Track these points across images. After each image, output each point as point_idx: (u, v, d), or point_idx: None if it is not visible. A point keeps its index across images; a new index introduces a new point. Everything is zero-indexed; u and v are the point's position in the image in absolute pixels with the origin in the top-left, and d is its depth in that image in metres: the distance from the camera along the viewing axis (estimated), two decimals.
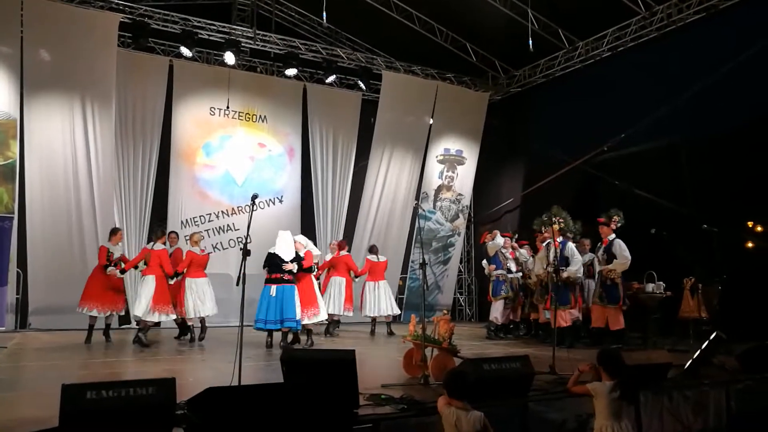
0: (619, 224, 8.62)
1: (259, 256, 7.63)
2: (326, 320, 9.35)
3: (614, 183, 10.99)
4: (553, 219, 8.87)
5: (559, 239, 8.55)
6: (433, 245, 13.93)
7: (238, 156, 12.38)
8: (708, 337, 5.96)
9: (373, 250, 10.85)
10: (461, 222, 14.37)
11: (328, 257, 10.51)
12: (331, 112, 13.25)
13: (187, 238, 9.22)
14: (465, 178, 14.35)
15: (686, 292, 8.71)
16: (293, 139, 12.98)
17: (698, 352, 5.74)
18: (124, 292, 9.19)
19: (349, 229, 13.10)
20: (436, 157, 14.08)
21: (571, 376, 4.34)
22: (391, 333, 10.27)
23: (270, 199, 12.56)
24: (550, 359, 5.90)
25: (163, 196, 11.66)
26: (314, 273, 8.75)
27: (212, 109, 12.19)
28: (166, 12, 11.45)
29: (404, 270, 13.60)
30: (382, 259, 10.83)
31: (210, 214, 11.99)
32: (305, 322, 8.26)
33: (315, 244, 10.14)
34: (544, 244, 9.10)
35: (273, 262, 8.13)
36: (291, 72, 12.37)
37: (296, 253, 8.33)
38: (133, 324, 10.57)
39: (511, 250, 10.37)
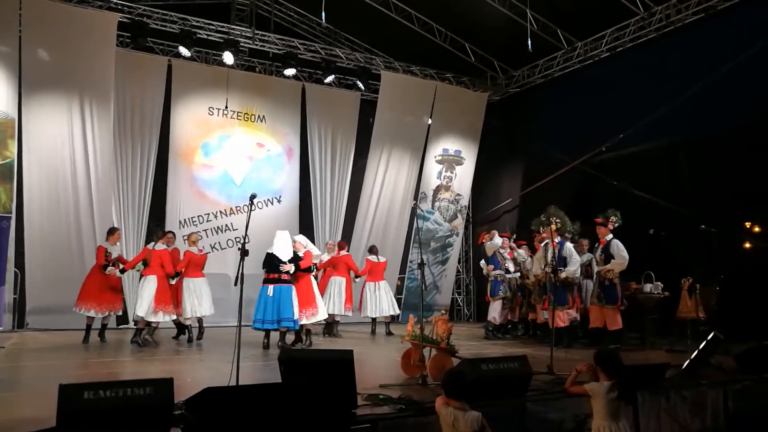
0: (616, 224, 8.62)
1: (257, 256, 7.61)
2: (325, 320, 9.33)
3: (613, 183, 10.99)
4: (550, 219, 8.86)
5: (557, 239, 8.55)
6: (431, 245, 13.94)
7: (236, 156, 12.38)
8: (706, 338, 5.96)
9: (373, 250, 10.84)
10: (460, 222, 14.37)
11: (325, 257, 10.49)
12: (329, 112, 13.25)
13: (185, 238, 9.22)
14: (463, 178, 14.35)
15: (684, 293, 8.71)
16: (292, 139, 12.98)
17: (696, 352, 5.75)
18: (122, 292, 9.19)
19: (347, 229, 13.11)
20: (435, 157, 14.08)
21: (569, 376, 4.35)
22: (389, 333, 10.28)
23: (268, 199, 12.56)
24: (548, 359, 5.90)
25: (162, 196, 11.65)
26: (313, 273, 8.72)
27: (211, 109, 12.19)
28: (164, 12, 11.44)
29: (402, 270, 13.61)
30: (382, 259, 10.83)
31: (208, 213, 11.99)
32: (303, 322, 8.25)
33: (313, 244, 10.13)
34: (542, 245, 9.10)
35: (270, 262, 8.12)
36: (290, 72, 12.36)
37: (295, 253, 8.32)
38: (131, 324, 10.62)
39: (509, 250, 10.37)
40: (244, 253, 5.03)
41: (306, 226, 12.44)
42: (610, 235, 8.50)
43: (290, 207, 12.78)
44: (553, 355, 5.92)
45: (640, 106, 10.52)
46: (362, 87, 13.20)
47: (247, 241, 5.22)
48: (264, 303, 8.00)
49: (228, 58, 11.65)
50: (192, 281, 8.83)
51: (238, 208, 12.18)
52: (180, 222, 11.58)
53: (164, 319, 8.37)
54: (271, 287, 8.04)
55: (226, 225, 12.08)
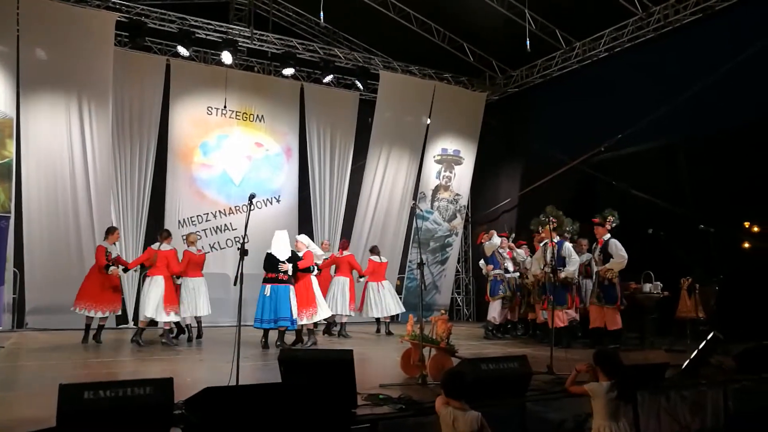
0: (613, 224, 8.61)
1: (256, 255, 7.60)
2: (325, 320, 9.31)
3: (612, 183, 11.01)
4: (548, 219, 8.87)
5: (556, 239, 8.55)
6: (430, 245, 13.94)
7: (235, 155, 12.38)
8: (705, 337, 5.96)
9: (374, 250, 10.83)
10: (459, 222, 14.38)
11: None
12: (328, 111, 13.25)
13: (184, 237, 9.21)
14: (462, 178, 14.36)
15: (683, 292, 8.72)
16: (290, 139, 12.98)
17: (695, 352, 5.74)
18: (121, 291, 9.19)
19: (346, 228, 13.11)
20: (434, 157, 14.09)
21: (569, 376, 4.35)
22: (389, 333, 10.28)
23: (267, 199, 12.55)
24: (548, 359, 5.90)
25: (160, 196, 11.64)
26: (315, 273, 8.69)
27: (209, 109, 12.18)
28: (163, 11, 11.43)
29: (402, 270, 13.61)
30: (384, 259, 10.84)
31: (207, 213, 11.99)
32: (304, 322, 8.23)
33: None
34: (541, 245, 9.10)
35: (269, 262, 8.12)
36: (288, 71, 12.36)
37: (294, 252, 8.31)
38: (131, 324, 10.63)
39: (508, 249, 10.38)
40: (243, 252, 5.03)
41: (305, 225, 12.43)
42: (608, 235, 8.50)
43: (289, 207, 12.78)
44: (552, 354, 5.93)
45: (638, 106, 10.54)
46: (361, 87, 13.21)
47: (246, 240, 5.21)
48: (262, 303, 8.01)
49: (226, 57, 11.64)
50: (191, 281, 8.83)
51: (237, 208, 12.18)
52: (179, 222, 11.58)
53: (175, 318, 8.39)
54: (268, 287, 8.04)
55: (225, 225, 12.08)
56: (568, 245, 8.91)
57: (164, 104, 11.66)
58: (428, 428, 3.92)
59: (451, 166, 14.25)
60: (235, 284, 4.88)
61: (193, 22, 11.66)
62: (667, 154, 10.46)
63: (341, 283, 10.10)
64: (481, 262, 10.56)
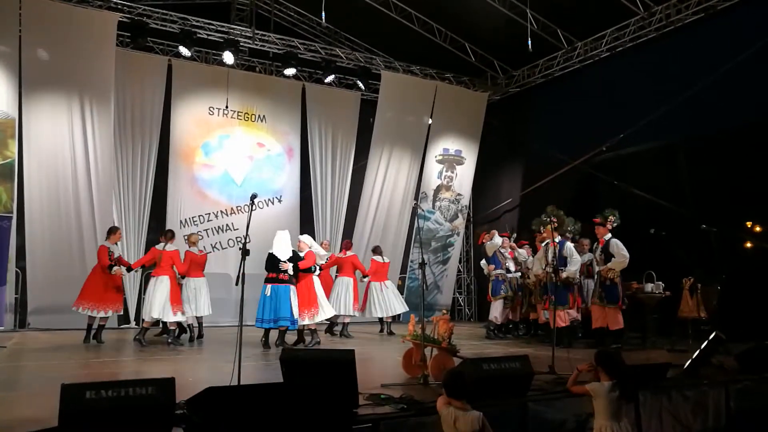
0: (614, 224, 8.61)
1: (258, 255, 7.61)
2: (328, 320, 9.31)
3: (613, 183, 11.00)
4: (549, 219, 8.87)
5: (558, 239, 8.54)
6: (432, 245, 13.94)
7: (237, 156, 12.38)
8: (707, 337, 5.95)
9: (377, 250, 10.82)
10: (460, 222, 14.38)
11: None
12: (330, 111, 13.25)
13: (186, 238, 9.22)
14: (464, 178, 14.36)
15: (685, 292, 8.70)
16: (292, 139, 12.98)
17: (697, 352, 5.74)
18: (123, 291, 9.20)
19: (348, 228, 13.11)
20: (435, 157, 14.09)
21: (570, 375, 4.34)
22: (391, 333, 10.28)
23: (269, 199, 12.55)
24: (550, 359, 5.90)
25: (162, 196, 11.65)
26: (317, 273, 8.69)
27: (211, 109, 12.19)
28: (164, 11, 11.44)
29: (403, 270, 13.61)
30: (386, 259, 10.84)
31: (209, 213, 11.99)
32: (306, 322, 8.22)
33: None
34: (543, 244, 9.10)
35: (270, 262, 8.13)
36: (290, 72, 12.37)
37: (295, 252, 8.31)
38: (132, 324, 10.65)
39: (509, 249, 10.38)
40: (245, 252, 5.03)
41: (306, 225, 12.43)
42: (609, 235, 8.49)
43: (291, 207, 12.78)
44: (554, 354, 5.92)
45: (640, 105, 10.53)
46: (362, 87, 13.20)
47: (247, 240, 5.22)
48: (263, 302, 8.03)
49: (228, 57, 11.65)
50: (192, 281, 8.86)
51: (239, 208, 12.18)
52: (181, 222, 11.58)
53: (182, 318, 8.40)
54: (269, 287, 8.05)
55: (227, 225, 12.09)
56: (569, 245, 8.90)
57: (166, 104, 11.67)
58: (430, 428, 3.92)
59: (453, 166, 14.25)
60: (236, 284, 4.89)
61: (194, 23, 11.67)
62: (669, 154, 10.46)
63: (345, 284, 10.11)
64: (483, 262, 10.56)
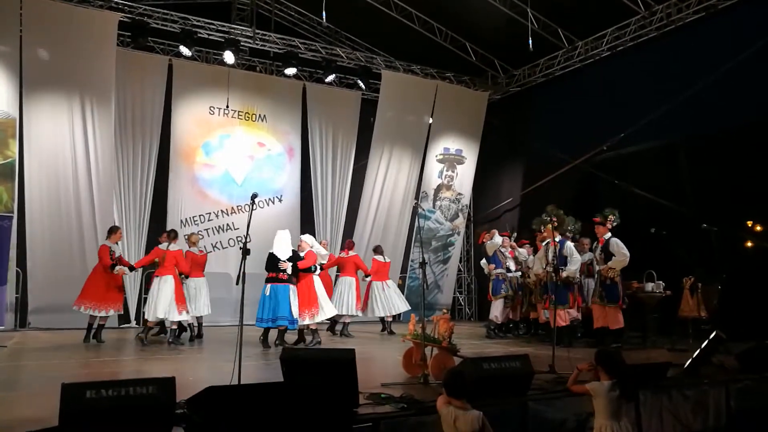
0: (614, 223, 8.60)
1: (258, 255, 7.62)
2: (328, 319, 9.31)
3: (614, 182, 11.00)
4: (549, 218, 8.86)
5: (558, 238, 8.53)
6: (432, 244, 13.94)
7: (237, 155, 12.38)
8: (708, 337, 5.95)
9: (378, 250, 10.82)
10: (461, 221, 14.37)
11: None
12: (330, 111, 13.25)
13: (186, 237, 9.23)
14: (464, 177, 14.36)
15: (686, 292, 8.70)
16: (293, 139, 12.98)
17: (698, 351, 5.74)
18: (124, 291, 9.21)
19: (348, 228, 13.11)
20: (436, 156, 14.08)
21: (571, 375, 4.34)
22: (391, 332, 10.28)
23: (269, 199, 12.56)
24: (550, 358, 5.90)
25: (163, 196, 11.66)
26: (317, 273, 8.69)
27: (212, 109, 12.19)
28: (165, 11, 11.44)
29: (404, 269, 13.60)
30: (387, 259, 10.85)
31: (209, 213, 12.00)
32: (306, 322, 8.22)
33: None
34: (543, 244, 9.10)
35: (270, 262, 8.14)
36: (290, 71, 12.37)
37: (295, 252, 8.31)
38: (133, 323, 10.65)
39: (510, 249, 10.37)
40: (245, 252, 5.04)
41: (307, 225, 12.43)
42: (609, 234, 8.49)
43: (291, 206, 12.78)
44: (554, 354, 5.92)
45: (640, 105, 10.53)
46: (363, 86, 13.19)
47: (248, 240, 5.22)
48: (262, 302, 8.05)
49: (229, 57, 11.65)
50: (192, 281, 8.87)
51: (240, 208, 12.19)
52: (181, 221, 11.59)
53: (186, 318, 8.41)
54: (268, 286, 8.07)
55: (228, 224, 12.09)
56: (569, 244, 8.90)
57: (166, 104, 11.68)
58: (430, 427, 3.92)
59: (453, 165, 14.25)
60: (237, 283, 4.89)
61: (195, 22, 11.67)
62: (670, 153, 10.45)
63: (348, 283, 10.13)
64: (483, 261, 10.56)
